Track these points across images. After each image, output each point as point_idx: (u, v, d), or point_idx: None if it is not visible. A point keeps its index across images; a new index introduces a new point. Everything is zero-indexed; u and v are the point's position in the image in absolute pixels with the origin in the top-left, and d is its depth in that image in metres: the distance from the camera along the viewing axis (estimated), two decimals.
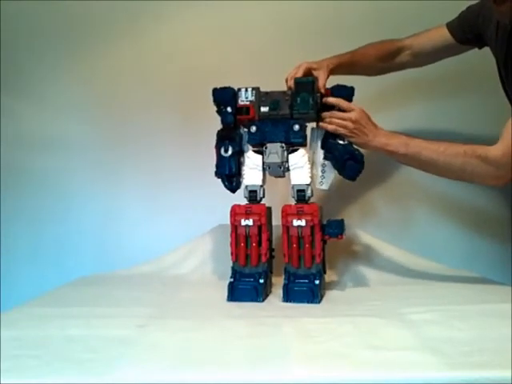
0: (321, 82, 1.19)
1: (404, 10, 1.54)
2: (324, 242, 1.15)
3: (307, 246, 1.13)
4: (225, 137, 1.21)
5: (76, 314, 1.01)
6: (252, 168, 1.19)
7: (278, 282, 1.19)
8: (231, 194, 1.23)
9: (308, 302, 1.10)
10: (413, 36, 1.35)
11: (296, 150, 1.18)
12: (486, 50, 1.25)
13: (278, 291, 1.17)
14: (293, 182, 1.17)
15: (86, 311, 1.04)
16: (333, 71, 1.24)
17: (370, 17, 1.56)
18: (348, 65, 1.29)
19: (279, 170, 1.18)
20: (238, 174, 1.22)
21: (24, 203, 1.63)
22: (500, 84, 1.23)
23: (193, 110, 1.59)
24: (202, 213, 1.58)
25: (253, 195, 1.19)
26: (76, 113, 1.64)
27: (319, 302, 1.11)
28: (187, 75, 1.60)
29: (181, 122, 1.62)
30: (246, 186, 1.19)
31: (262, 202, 1.20)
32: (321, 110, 1.19)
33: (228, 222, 1.17)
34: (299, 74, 1.21)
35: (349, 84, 1.21)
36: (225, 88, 1.21)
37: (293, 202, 1.17)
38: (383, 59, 1.34)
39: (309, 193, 1.16)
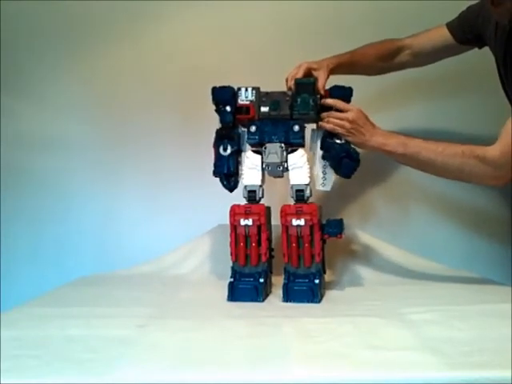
0: (320, 83, 1.20)
1: (404, 10, 1.54)
2: (323, 241, 1.15)
3: (306, 245, 1.13)
4: (224, 136, 1.21)
5: (76, 314, 1.01)
6: (251, 168, 1.19)
7: (278, 281, 1.19)
8: (230, 194, 1.23)
9: (308, 302, 1.10)
10: (413, 36, 1.35)
11: (295, 150, 1.19)
12: (486, 49, 1.25)
13: (277, 291, 1.17)
14: (292, 182, 1.17)
15: (86, 311, 1.04)
16: (333, 71, 1.24)
17: (370, 17, 1.56)
18: (348, 65, 1.29)
19: (278, 170, 1.18)
20: (236, 173, 1.22)
21: (24, 203, 1.63)
22: (500, 84, 1.23)
23: (193, 110, 1.59)
24: (202, 213, 1.58)
25: (252, 195, 1.19)
26: (76, 113, 1.64)
27: (319, 302, 1.11)
28: (187, 75, 1.60)
29: (181, 122, 1.62)
30: (245, 186, 1.19)
31: (261, 202, 1.20)
32: (320, 110, 1.19)
33: (227, 221, 1.17)
34: (299, 74, 1.21)
35: (349, 84, 1.21)
36: (224, 87, 1.21)
37: (292, 201, 1.17)
38: (383, 59, 1.34)
39: (308, 193, 1.16)
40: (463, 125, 1.55)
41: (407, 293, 1.17)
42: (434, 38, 1.32)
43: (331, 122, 1.17)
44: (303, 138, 1.18)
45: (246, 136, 1.20)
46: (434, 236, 1.58)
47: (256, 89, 1.20)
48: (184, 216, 1.60)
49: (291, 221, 1.13)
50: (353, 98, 1.21)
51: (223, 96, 1.21)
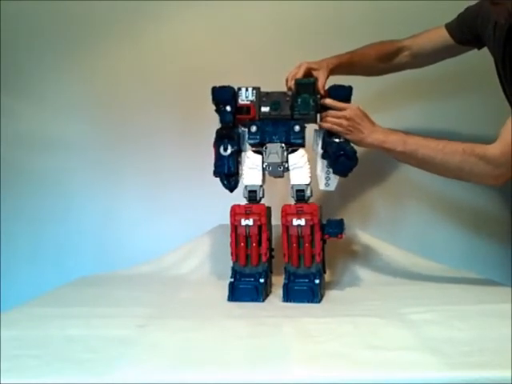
0: (320, 83, 1.20)
1: (404, 10, 1.54)
2: (324, 241, 1.15)
3: (307, 245, 1.13)
4: (224, 136, 1.21)
5: (76, 314, 1.01)
6: (251, 168, 1.19)
7: (278, 281, 1.19)
8: (231, 193, 1.22)
9: (308, 302, 1.10)
10: (412, 37, 1.35)
11: (296, 150, 1.19)
12: (485, 50, 1.25)
13: (278, 291, 1.17)
14: (292, 182, 1.17)
15: (86, 311, 1.04)
16: (333, 71, 1.24)
17: (370, 17, 1.56)
18: (348, 65, 1.29)
19: (279, 170, 1.18)
20: (237, 173, 1.22)
21: (24, 203, 1.63)
22: (499, 84, 1.23)
23: (193, 110, 1.59)
24: (202, 213, 1.58)
25: (252, 195, 1.19)
26: (76, 113, 1.64)
27: (319, 302, 1.11)
28: (187, 75, 1.60)
29: (181, 122, 1.62)
30: (246, 186, 1.19)
31: (261, 202, 1.20)
32: (320, 110, 1.19)
33: (228, 221, 1.17)
34: (299, 75, 1.21)
35: (348, 84, 1.21)
36: (224, 87, 1.21)
37: (292, 201, 1.17)
38: (383, 60, 1.34)
39: (308, 193, 1.16)
40: (463, 125, 1.55)
41: (407, 293, 1.17)
42: (434, 38, 1.32)
43: (329, 121, 1.18)
44: (304, 138, 1.18)
45: (247, 136, 1.20)
46: (434, 236, 1.58)
47: (256, 89, 1.20)
48: (184, 216, 1.60)
49: (292, 221, 1.13)
50: (353, 98, 1.21)
51: (223, 96, 1.21)
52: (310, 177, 1.17)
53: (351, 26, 1.56)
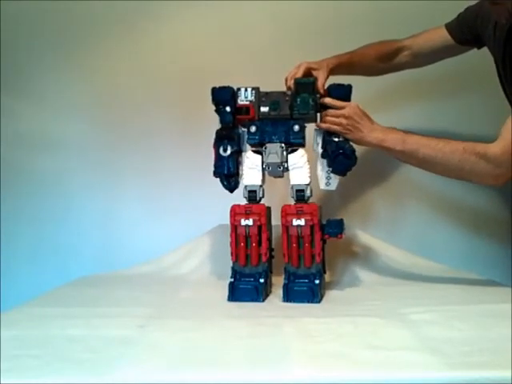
0: (320, 83, 1.20)
1: (404, 10, 1.54)
2: (324, 241, 1.15)
3: (307, 245, 1.13)
4: (224, 136, 1.21)
5: (76, 314, 1.01)
6: (251, 168, 1.19)
7: (278, 281, 1.19)
8: (231, 194, 1.22)
9: (308, 302, 1.10)
10: (412, 37, 1.35)
11: (295, 150, 1.18)
12: (486, 50, 1.25)
13: (278, 291, 1.17)
14: (292, 182, 1.17)
15: (87, 311, 1.04)
16: (332, 71, 1.24)
17: (370, 17, 1.56)
18: (347, 65, 1.29)
19: (278, 170, 1.18)
20: (237, 173, 1.22)
21: (24, 203, 1.63)
22: (499, 84, 1.23)
23: (193, 110, 1.59)
24: (202, 213, 1.58)
25: (252, 195, 1.19)
26: (76, 113, 1.64)
27: (319, 302, 1.11)
28: (187, 75, 1.60)
29: (181, 122, 1.62)
30: (246, 186, 1.19)
31: (261, 202, 1.20)
32: (320, 110, 1.19)
33: (228, 221, 1.17)
34: (299, 74, 1.21)
35: (348, 84, 1.21)
36: (224, 87, 1.21)
37: (292, 201, 1.17)
38: (382, 59, 1.34)
39: (308, 193, 1.16)
40: (463, 125, 1.54)
41: (407, 293, 1.17)
42: (434, 38, 1.32)
43: (327, 120, 1.18)
44: (303, 137, 1.18)
45: (246, 136, 1.20)
46: (434, 236, 1.58)
47: (256, 89, 1.20)
48: (184, 216, 1.60)
49: (292, 221, 1.13)
50: (353, 98, 1.20)
51: (223, 96, 1.21)
52: (310, 177, 1.17)
53: (351, 25, 1.56)
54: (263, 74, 1.45)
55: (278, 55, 1.55)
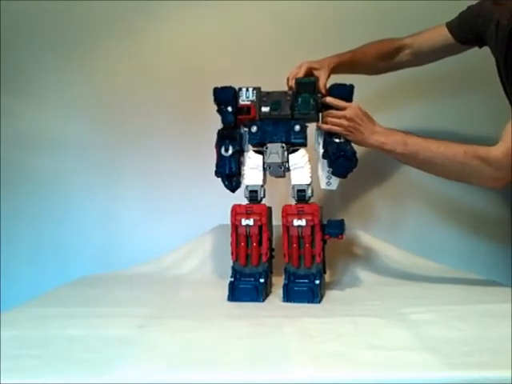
0: (321, 82, 1.19)
1: (404, 10, 1.54)
2: (324, 241, 1.15)
3: (307, 245, 1.13)
4: (225, 136, 1.21)
5: (76, 314, 1.01)
6: (252, 168, 1.19)
7: (278, 281, 1.19)
8: (231, 193, 1.22)
9: (308, 302, 1.10)
10: (413, 35, 1.35)
11: (296, 150, 1.18)
12: (486, 49, 1.25)
13: (278, 291, 1.17)
14: (293, 182, 1.17)
15: (86, 311, 1.04)
16: (334, 70, 1.24)
17: (370, 17, 1.56)
18: (349, 64, 1.29)
19: (280, 170, 1.18)
20: (238, 173, 1.22)
21: (24, 203, 1.63)
22: (500, 84, 1.23)
23: (193, 110, 1.59)
24: (202, 213, 1.58)
25: (253, 195, 1.19)
26: (76, 113, 1.64)
27: (319, 302, 1.11)
28: (187, 75, 1.60)
29: (181, 122, 1.62)
30: (247, 186, 1.19)
31: (262, 202, 1.20)
32: (322, 109, 1.19)
33: (228, 221, 1.17)
34: (300, 74, 1.21)
35: (348, 83, 1.21)
36: (225, 87, 1.21)
37: (293, 202, 1.17)
38: (383, 58, 1.34)
39: (309, 193, 1.16)
40: (463, 125, 1.55)
41: (407, 293, 1.17)
42: (434, 37, 1.32)
43: (329, 121, 1.17)
44: (305, 137, 1.18)
45: (247, 136, 1.20)
46: (435, 236, 1.58)
47: (257, 89, 1.20)
48: (184, 216, 1.60)
49: (292, 221, 1.13)
50: (353, 98, 1.20)
51: (224, 96, 1.21)
52: (311, 177, 1.17)
53: (351, 25, 1.56)
54: (263, 74, 1.45)
55: (278, 55, 1.55)
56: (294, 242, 1.14)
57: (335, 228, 1.13)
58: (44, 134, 1.64)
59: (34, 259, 1.62)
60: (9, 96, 1.63)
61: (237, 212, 1.16)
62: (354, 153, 1.17)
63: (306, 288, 1.12)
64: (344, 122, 1.15)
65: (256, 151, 1.21)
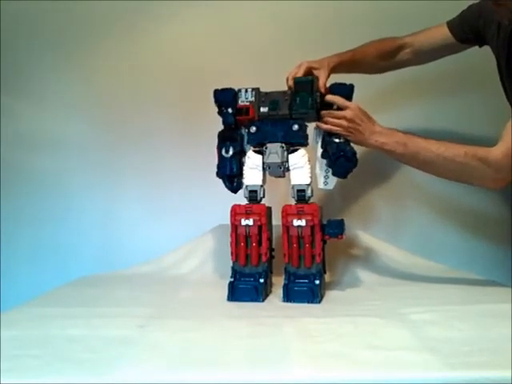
0: (321, 82, 1.19)
1: (404, 10, 1.54)
2: (324, 241, 1.15)
3: (307, 245, 1.13)
4: (226, 137, 1.21)
5: (76, 314, 1.01)
6: (252, 168, 1.19)
7: (278, 281, 1.19)
8: (231, 193, 1.23)
9: (308, 302, 1.10)
10: (413, 34, 1.35)
11: (296, 150, 1.18)
12: (486, 48, 1.25)
13: (278, 291, 1.17)
14: (293, 182, 1.17)
15: (87, 311, 1.04)
16: (334, 69, 1.24)
17: (370, 17, 1.56)
18: (349, 63, 1.29)
19: (279, 170, 1.18)
20: (240, 174, 1.22)
21: (24, 203, 1.63)
22: (500, 84, 1.23)
23: (193, 111, 1.59)
24: (202, 213, 1.58)
25: (253, 195, 1.19)
26: (76, 113, 1.64)
27: (319, 302, 1.11)
28: (187, 75, 1.60)
29: (181, 122, 1.62)
30: (246, 186, 1.19)
31: (262, 202, 1.20)
32: (321, 109, 1.19)
33: (228, 221, 1.17)
34: (300, 74, 1.20)
35: (348, 82, 1.21)
36: (226, 89, 1.21)
37: (293, 202, 1.17)
38: (384, 57, 1.34)
39: (309, 193, 1.16)
40: (463, 124, 1.55)
41: (407, 293, 1.17)
42: (435, 36, 1.32)
43: (329, 122, 1.17)
44: (304, 137, 1.18)
45: (247, 137, 1.20)
46: (435, 237, 1.58)
47: (256, 89, 1.20)
48: (184, 216, 1.60)
49: (292, 221, 1.13)
50: (353, 97, 1.20)
51: (224, 98, 1.21)
52: (311, 177, 1.17)
53: (351, 25, 1.56)
54: (263, 74, 1.45)
55: (278, 55, 1.55)
56: (294, 242, 1.14)
57: (335, 228, 1.13)
58: (44, 133, 1.64)
59: (34, 259, 1.62)
60: (9, 96, 1.63)
61: (236, 212, 1.16)
62: (354, 153, 1.17)
63: (306, 288, 1.12)
64: (344, 122, 1.15)
65: (255, 151, 1.21)
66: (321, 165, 1.21)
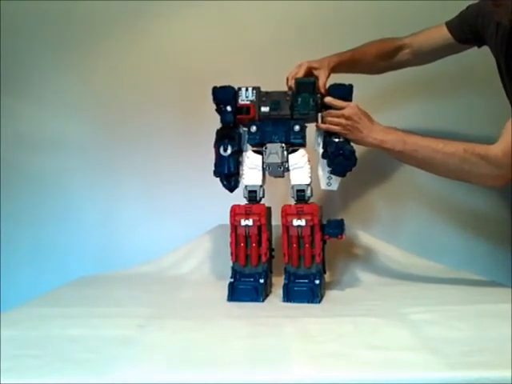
0: (321, 82, 1.19)
1: (404, 10, 1.54)
2: (324, 241, 1.15)
3: (307, 245, 1.13)
4: (224, 136, 1.21)
5: (76, 314, 1.01)
6: (252, 168, 1.19)
7: (278, 281, 1.19)
8: (231, 194, 1.22)
9: (308, 302, 1.10)
10: (412, 35, 1.35)
11: (296, 150, 1.18)
12: (486, 49, 1.25)
13: (278, 291, 1.17)
14: (293, 182, 1.17)
15: (86, 311, 1.04)
16: (334, 69, 1.24)
17: (370, 17, 1.56)
18: (349, 63, 1.29)
19: (279, 170, 1.18)
20: (237, 173, 1.22)
21: (24, 203, 1.63)
22: (500, 83, 1.23)
23: (192, 110, 1.59)
24: (202, 213, 1.58)
25: (252, 195, 1.19)
26: (75, 113, 1.64)
27: (319, 302, 1.11)
28: (187, 75, 1.60)
29: (180, 121, 1.62)
30: (246, 186, 1.19)
31: (261, 202, 1.20)
32: (321, 110, 1.19)
33: (228, 222, 1.17)
34: (300, 74, 1.21)
35: (347, 83, 1.21)
36: (225, 87, 1.21)
37: (292, 202, 1.17)
38: (383, 57, 1.34)
39: (308, 193, 1.16)
40: (463, 124, 1.55)
41: (407, 293, 1.17)
42: (434, 36, 1.32)
43: (328, 121, 1.17)
44: (304, 137, 1.18)
45: (247, 136, 1.20)
46: (434, 236, 1.58)
47: (256, 89, 1.20)
48: (184, 216, 1.60)
49: (292, 221, 1.13)
50: (353, 97, 1.20)
51: (224, 96, 1.21)
52: (311, 177, 1.17)
53: (351, 25, 1.56)
54: (263, 74, 1.45)
55: (278, 55, 1.55)
56: (294, 242, 1.14)
57: (335, 228, 1.13)
58: (44, 133, 1.64)
59: (34, 259, 1.62)
60: (9, 96, 1.63)
61: (236, 212, 1.16)
62: (353, 151, 1.16)
63: (306, 288, 1.12)
64: (342, 120, 1.15)
65: (255, 151, 1.21)
66: (323, 166, 1.21)
